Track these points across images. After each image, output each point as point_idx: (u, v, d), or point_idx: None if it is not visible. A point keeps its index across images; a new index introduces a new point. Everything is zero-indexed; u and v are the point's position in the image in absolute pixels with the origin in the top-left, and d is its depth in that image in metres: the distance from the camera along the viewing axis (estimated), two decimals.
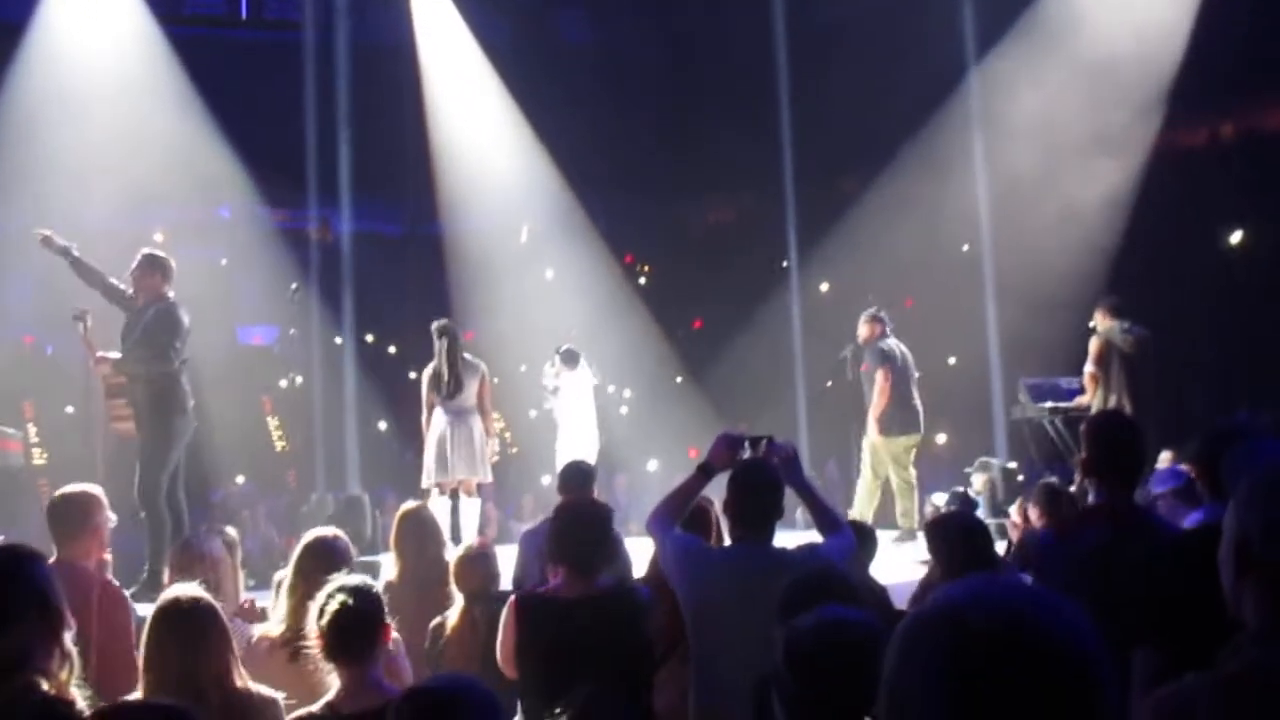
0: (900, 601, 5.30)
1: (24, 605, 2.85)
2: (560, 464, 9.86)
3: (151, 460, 7.36)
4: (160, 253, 7.83)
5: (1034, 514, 7.42)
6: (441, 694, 2.43)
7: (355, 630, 3.38)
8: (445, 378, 9.42)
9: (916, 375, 10.15)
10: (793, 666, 2.54)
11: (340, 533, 4.42)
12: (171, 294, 7.62)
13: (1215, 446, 3.58)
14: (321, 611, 3.42)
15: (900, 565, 7.90)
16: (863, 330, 10.30)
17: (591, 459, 10.02)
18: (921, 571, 7.43)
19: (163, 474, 7.36)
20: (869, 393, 9.98)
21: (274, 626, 4.23)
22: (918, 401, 10.05)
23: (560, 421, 11.52)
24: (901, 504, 9.88)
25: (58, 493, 4.83)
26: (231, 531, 5.71)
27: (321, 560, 4.18)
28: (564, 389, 11.48)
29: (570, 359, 11.48)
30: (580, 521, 4.36)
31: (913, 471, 10.04)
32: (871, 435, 9.94)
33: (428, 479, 9.52)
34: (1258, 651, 1.74)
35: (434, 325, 9.62)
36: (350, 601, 3.40)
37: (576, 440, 11.20)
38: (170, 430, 7.45)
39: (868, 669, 2.50)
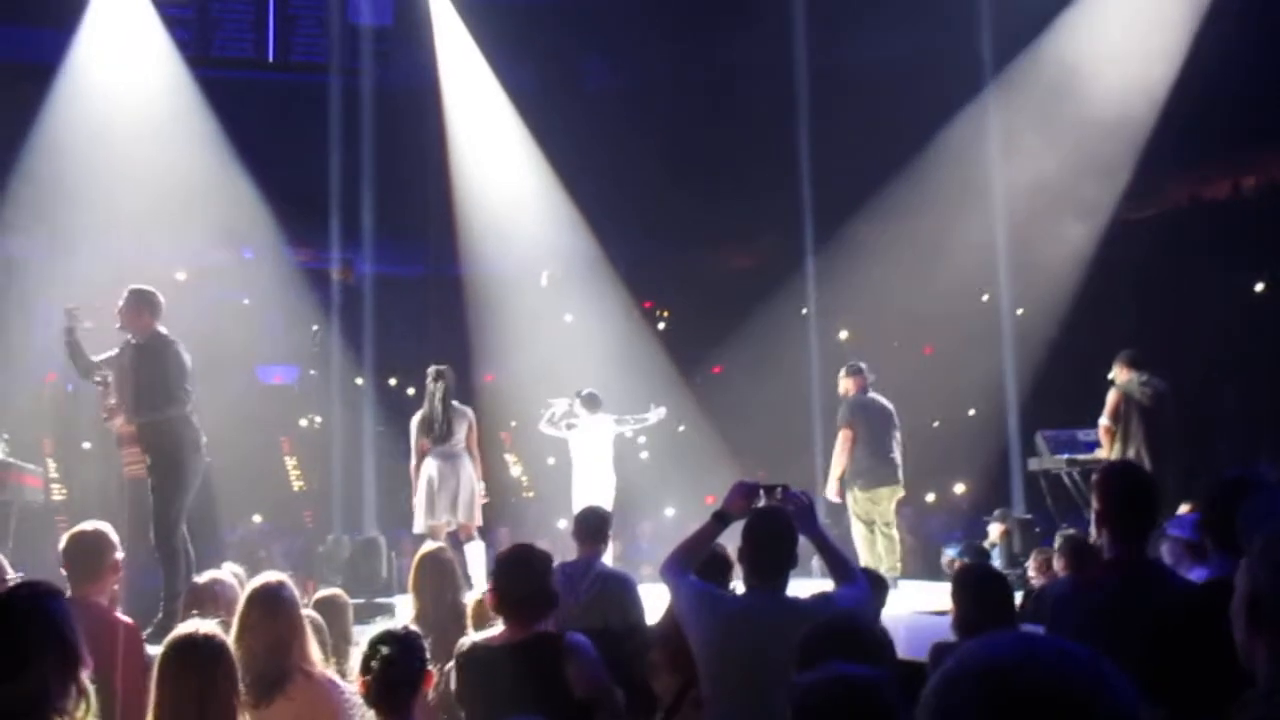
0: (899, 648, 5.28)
1: (43, 643, 2.86)
2: (576, 508, 9.94)
3: (167, 502, 7.21)
4: (148, 288, 7.47)
5: (1059, 565, 7.39)
6: None
7: (398, 682, 3.49)
8: (438, 421, 9.54)
9: (897, 430, 10.07)
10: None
11: (286, 579, 4.39)
12: (164, 330, 7.34)
13: (1224, 498, 3.56)
14: (367, 660, 3.52)
15: (902, 613, 7.88)
16: (842, 384, 10.29)
17: (608, 504, 10.04)
18: (910, 619, 7.46)
19: (179, 515, 7.23)
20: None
21: None
22: (896, 455, 9.98)
23: (576, 464, 11.48)
24: (887, 558, 9.83)
25: (72, 531, 4.85)
26: (241, 570, 5.75)
27: (266, 608, 4.18)
28: (583, 432, 11.43)
29: (592, 403, 11.42)
30: (516, 569, 4.34)
31: (894, 522, 10.06)
32: (830, 491, 10.01)
33: (419, 524, 9.59)
34: (1266, 707, 1.73)
35: (430, 369, 9.74)
36: (395, 654, 3.50)
37: (592, 485, 11.15)
38: (184, 471, 7.29)
39: None
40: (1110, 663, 1.33)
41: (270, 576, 4.25)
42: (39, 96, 13.18)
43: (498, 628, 4.35)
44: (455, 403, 9.73)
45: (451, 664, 4.88)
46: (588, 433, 11.38)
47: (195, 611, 4.32)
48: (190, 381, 7.36)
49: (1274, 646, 1.75)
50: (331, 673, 4.01)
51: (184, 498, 7.31)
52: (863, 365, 10.32)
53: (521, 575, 4.29)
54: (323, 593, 5.82)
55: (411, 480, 9.72)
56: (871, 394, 10.16)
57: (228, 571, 5.46)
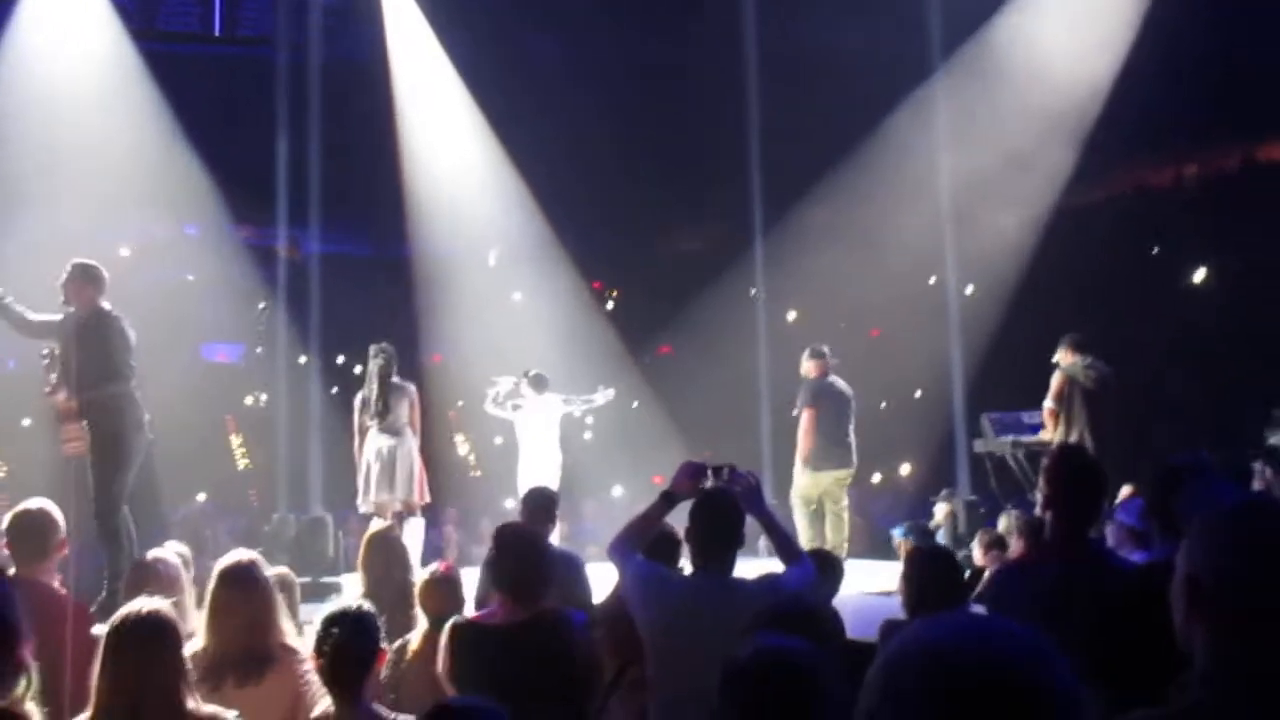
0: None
1: None
2: (522, 487, 9.95)
3: (109, 480, 7.08)
4: (92, 262, 7.35)
5: (1016, 545, 7.46)
6: (465, 711, 2.57)
7: (352, 661, 3.50)
8: (373, 399, 9.54)
9: (853, 414, 10.32)
10: (729, 696, 2.56)
11: (257, 556, 4.38)
12: (107, 305, 7.23)
13: (1166, 483, 3.61)
14: (320, 640, 3.54)
15: (850, 593, 7.93)
16: (804, 366, 10.47)
17: (554, 484, 10.04)
18: (858, 599, 7.53)
19: (121, 493, 7.13)
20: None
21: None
22: (851, 438, 10.26)
23: (522, 444, 11.47)
24: (833, 536, 10.07)
25: (17, 509, 4.78)
26: (185, 549, 5.71)
27: (240, 586, 4.17)
28: (528, 412, 11.42)
29: (539, 383, 11.42)
30: (517, 547, 4.35)
31: (845, 504, 10.28)
32: (797, 470, 10.22)
33: (364, 503, 9.59)
34: (1204, 690, 1.76)
35: (373, 346, 9.74)
36: (349, 634, 3.52)
37: (538, 465, 11.14)
38: (126, 449, 7.18)
39: (806, 697, 2.52)
40: (1052, 643, 1.35)
41: (241, 555, 4.29)
42: None
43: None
44: (396, 379, 9.71)
45: (400, 642, 4.87)
46: (535, 414, 11.36)
47: (144, 590, 4.30)
48: (134, 357, 7.24)
49: (1212, 628, 1.78)
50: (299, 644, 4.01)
51: (126, 476, 7.18)
52: (825, 349, 10.48)
53: (525, 555, 4.31)
54: (272, 571, 5.79)
55: (355, 459, 9.71)
56: (832, 377, 10.33)
57: (171, 550, 5.42)
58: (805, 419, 10.15)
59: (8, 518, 4.78)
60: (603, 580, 5.95)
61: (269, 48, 15.57)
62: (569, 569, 6.21)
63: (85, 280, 7.21)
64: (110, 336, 7.14)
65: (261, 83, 14.87)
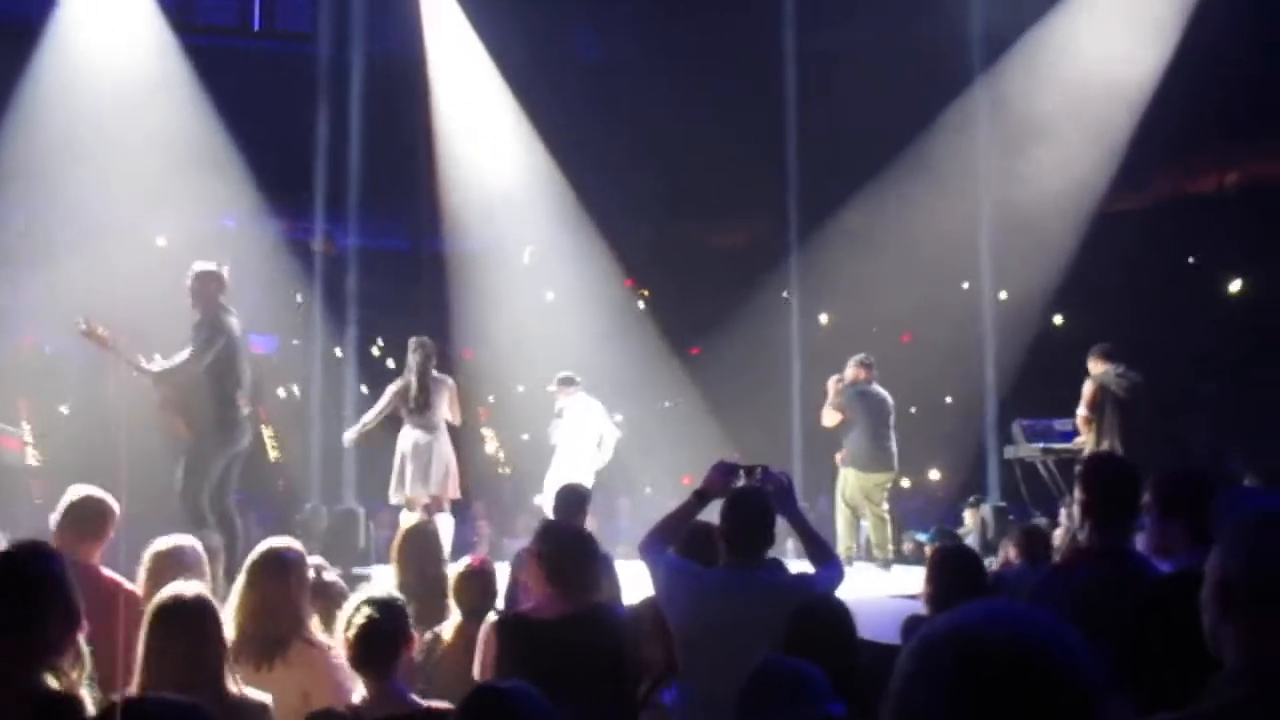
0: (869, 630, 5.34)
1: (50, 601, 2.91)
2: (551, 487, 9.99)
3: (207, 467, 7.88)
4: (211, 266, 8.20)
5: (1012, 553, 7.48)
6: (504, 693, 2.60)
7: (380, 642, 3.53)
8: (414, 392, 9.57)
9: (893, 419, 10.61)
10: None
11: (294, 543, 4.45)
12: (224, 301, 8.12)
13: (1197, 494, 3.61)
14: (349, 623, 3.58)
15: (874, 596, 7.95)
16: (849, 372, 10.71)
17: (588, 483, 10.03)
18: (882, 602, 7.56)
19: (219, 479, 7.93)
20: (843, 431, 10.61)
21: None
22: (893, 443, 10.57)
23: (558, 444, 11.36)
24: (875, 536, 10.40)
25: (78, 495, 4.90)
26: (217, 540, 5.77)
27: (268, 569, 4.23)
28: (565, 414, 11.25)
29: (565, 383, 11.28)
30: (570, 543, 4.39)
31: (885, 506, 10.54)
32: (844, 472, 10.60)
33: (395, 494, 9.63)
34: (1232, 691, 1.78)
35: (412, 340, 9.79)
36: (376, 615, 3.55)
37: (571, 464, 10.98)
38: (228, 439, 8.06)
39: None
40: (1075, 631, 1.39)
41: (278, 541, 4.33)
42: (22, 55, 13.06)
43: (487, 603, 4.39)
44: (436, 373, 9.76)
45: (433, 633, 4.92)
46: (570, 412, 11.22)
47: (168, 576, 4.38)
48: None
49: (1243, 631, 1.80)
50: (329, 639, 4.04)
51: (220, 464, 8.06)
52: (871, 359, 10.76)
53: (578, 549, 4.36)
54: (328, 576, 5.79)
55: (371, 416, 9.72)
56: (875, 385, 10.61)
57: (188, 538, 5.44)
58: (832, 416, 10.53)
59: (66, 502, 4.88)
60: (630, 579, 5.98)
61: (309, 43, 15.67)
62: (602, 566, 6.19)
63: (208, 282, 8.18)
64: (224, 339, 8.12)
65: (301, 77, 14.97)
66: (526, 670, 4.02)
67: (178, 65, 13.69)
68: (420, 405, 9.61)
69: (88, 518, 4.77)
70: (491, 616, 4.44)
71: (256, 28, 17.56)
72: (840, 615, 3.89)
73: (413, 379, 9.67)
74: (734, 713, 3.24)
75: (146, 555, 4.78)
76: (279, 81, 15.46)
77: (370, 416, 9.97)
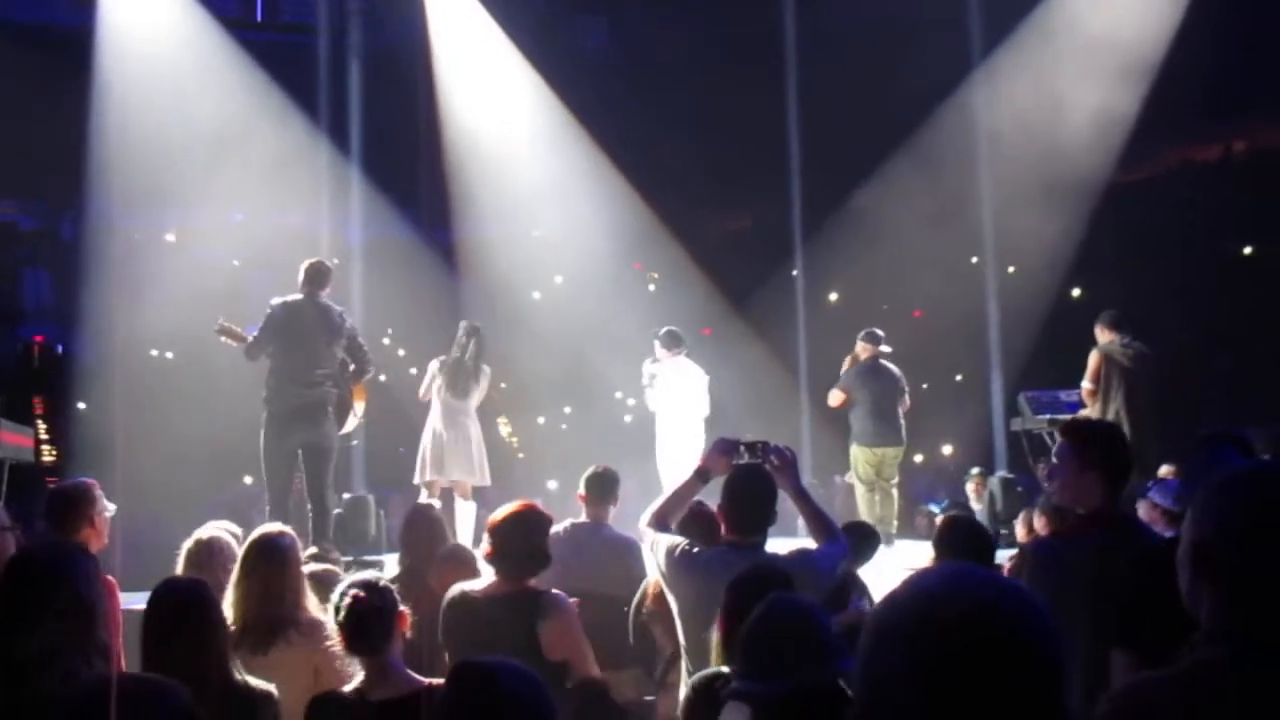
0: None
1: (58, 601, 2.96)
2: (662, 459, 9.95)
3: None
4: (314, 260, 8.63)
5: (1039, 524, 7.48)
6: (488, 667, 2.57)
7: (369, 622, 3.56)
8: (460, 375, 9.55)
9: (905, 394, 10.58)
10: None
11: (287, 529, 4.50)
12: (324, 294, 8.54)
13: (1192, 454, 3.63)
14: (337, 609, 3.62)
15: (879, 569, 7.94)
16: (857, 348, 10.72)
17: (697, 452, 9.27)
18: (893, 575, 7.53)
19: None
20: (849, 409, 10.62)
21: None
22: (901, 418, 10.52)
23: (658, 412, 10.61)
24: (882, 511, 10.38)
25: (56, 485, 4.94)
26: (237, 529, 5.80)
27: (264, 555, 4.28)
28: (663, 375, 10.51)
29: (673, 341, 10.52)
30: (519, 526, 4.36)
31: (895, 480, 10.59)
32: (853, 450, 10.63)
33: (420, 475, 9.61)
34: (1212, 649, 1.80)
35: (464, 323, 9.80)
36: (362, 595, 3.59)
37: (680, 432, 10.32)
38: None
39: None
40: (1037, 597, 1.41)
41: (271, 527, 4.41)
42: (60, 60, 13.03)
43: (485, 579, 4.42)
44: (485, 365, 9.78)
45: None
46: (672, 374, 10.50)
47: (202, 568, 4.47)
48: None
49: (1217, 591, 1.81)
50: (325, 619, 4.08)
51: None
52: (880, 333, 10.69)
53: (522, 532, 4.34)
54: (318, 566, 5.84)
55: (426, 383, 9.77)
56: (882, 361, 10.54)
57: (222, 529, 5.50)
58: (837, 397, 10.58)
59: (47, 494, 4.94)
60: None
61: (311, 34, 15.64)
62: (628, 553, 6.06)
63: (317, 275, 8.57)
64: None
65: (303, 68, 14.96)
66: (460, 641, 4.14)
67: (187, 56, 13.60)
68: (464, 390, 9.60)
69: (60, 506, 4.82)
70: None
71: (259, 19, 17.54)
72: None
73: (466, 361, 9.64)
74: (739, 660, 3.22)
75: (185, 545, 4.85)
76: (282, 73, 15.45)
77: (426, 392, 9.85)
